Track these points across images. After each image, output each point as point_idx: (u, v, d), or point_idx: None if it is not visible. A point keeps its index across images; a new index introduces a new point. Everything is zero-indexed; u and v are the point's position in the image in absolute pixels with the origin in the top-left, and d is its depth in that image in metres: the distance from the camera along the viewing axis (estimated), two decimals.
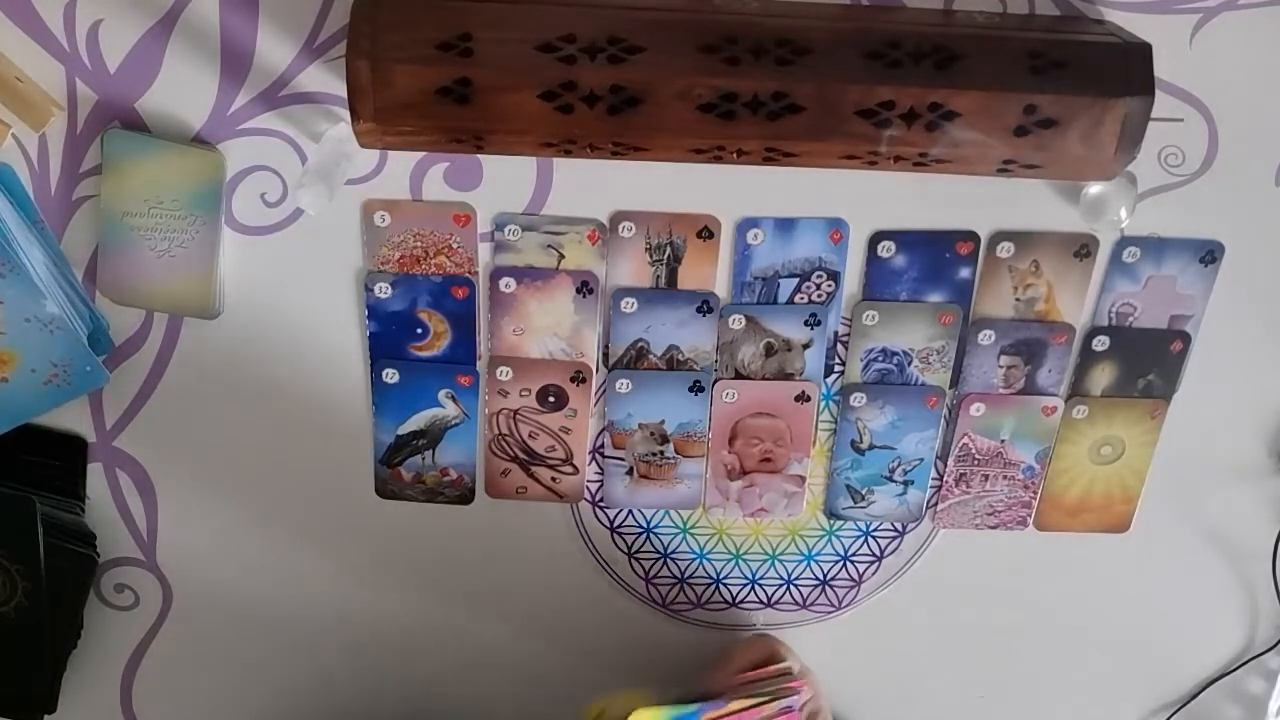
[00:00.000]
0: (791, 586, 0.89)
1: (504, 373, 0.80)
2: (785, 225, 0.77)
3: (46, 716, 0.85)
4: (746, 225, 0.77)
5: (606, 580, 0.88)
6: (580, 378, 0.80)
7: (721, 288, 0.79)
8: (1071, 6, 0.72)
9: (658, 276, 0.78)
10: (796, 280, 0.79)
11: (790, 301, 0.79)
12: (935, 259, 0.78)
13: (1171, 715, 0.95)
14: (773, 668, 0.80)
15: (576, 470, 0.84)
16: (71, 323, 0.74)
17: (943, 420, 0.83)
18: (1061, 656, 0.93)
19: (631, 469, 0.84)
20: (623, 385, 0.81)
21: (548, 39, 0.63)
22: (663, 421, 0.82)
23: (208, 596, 0.86)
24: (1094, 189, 0.75)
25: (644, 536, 0.86)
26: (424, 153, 0.74)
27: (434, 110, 0.64)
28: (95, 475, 0.82)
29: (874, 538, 0.87)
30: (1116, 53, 0.66)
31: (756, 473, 0.84)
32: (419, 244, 0.76)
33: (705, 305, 0.79)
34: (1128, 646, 0.92)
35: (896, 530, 0.87)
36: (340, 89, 0.68)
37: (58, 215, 0.74)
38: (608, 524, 0.86)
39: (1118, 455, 0.85)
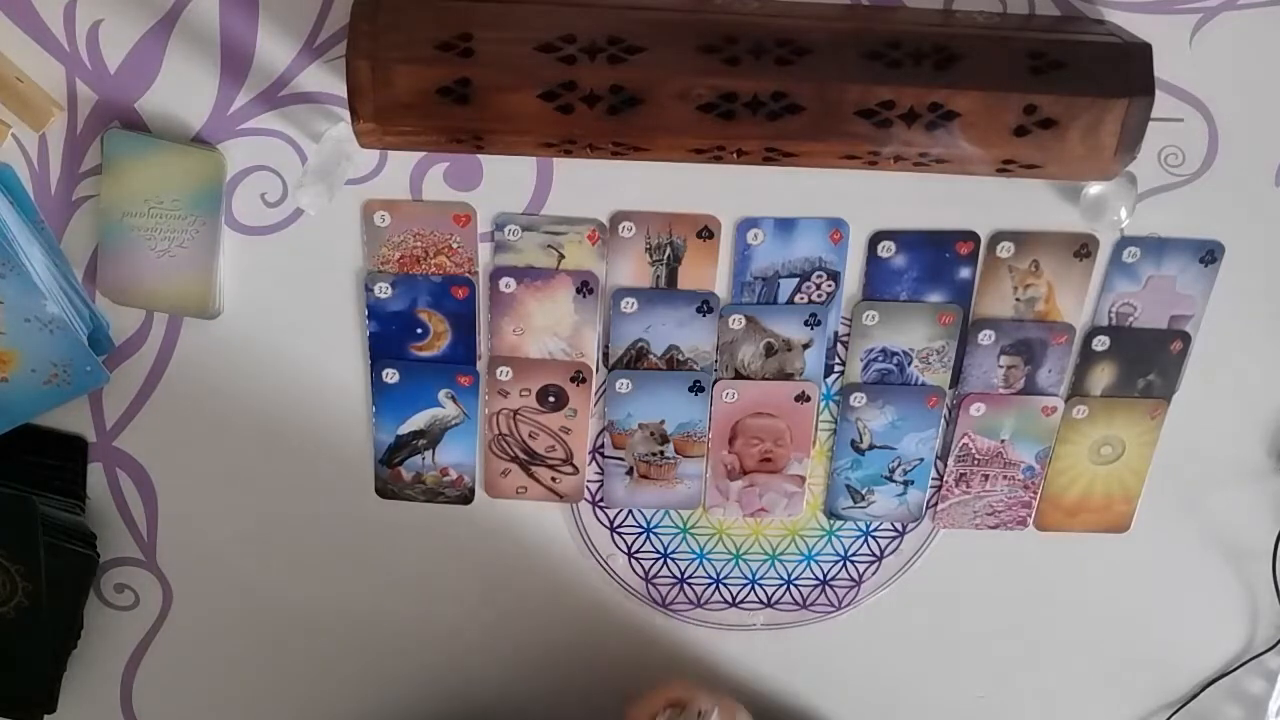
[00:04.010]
0: (791, 586, 0.89)
1: (504, 373, 0.80)
2: (785, 225, 0.77)
3: (46, 716, 0.86)
4: (746, 225, 0.77)
5: (606, 580, 0.88)
6: (580, 378, 0.80)
7: (721, 288, 0.79)
8: (1071, 6, 0.72)
9: (658, 276, 0.78)
10: (796, 280, 0.79)
11: (790, 301, 0.79)
12: (935, 259, 0.78)
13: (1171, 715, 0.95)
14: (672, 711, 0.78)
15: (576, 470, 0.84)
16: (71, 323, 0.74)
17: (943, 420, 0.83)
18: (1061, 656, 0.93)
19: (631, 469, 0.84)
20: (623, 385, 0.81)
21: (548, 39, 0.63)
22: (663, 421, 0.82)
23: (208, 596, 0.86)
24: (1094, 189, 0.75)
25: (644, 536, 0.86)
26: (424, 153, 0.74)
27: (434, 110, 0.64)
28: (95, 475, 0.82)
29: (874, 538, 0.87)
30: (1116, 53, 0.66)
31: (756, 473, 0.84)
32: (419, 244, 0.76)
33: (705, 305, 0.79)
34: (1128, 646, 0.92)
35: (896, 530, 0.87)
36: (340, 89, 0.68)
37: (58, 215, 0.74)
38: (608, 524, 0.86)
39: (1118, 455, 0.85)
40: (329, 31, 0.71)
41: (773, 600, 0.89)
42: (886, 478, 0.85)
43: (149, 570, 0.85)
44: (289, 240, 0.76)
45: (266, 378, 0.80)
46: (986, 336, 0.81)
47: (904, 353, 0.81)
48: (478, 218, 0.76)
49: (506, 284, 0.78)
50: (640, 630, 0.89)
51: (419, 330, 0.79)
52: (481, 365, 0.80)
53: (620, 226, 0.77)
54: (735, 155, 0.66)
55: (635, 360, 0.80)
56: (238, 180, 0.74)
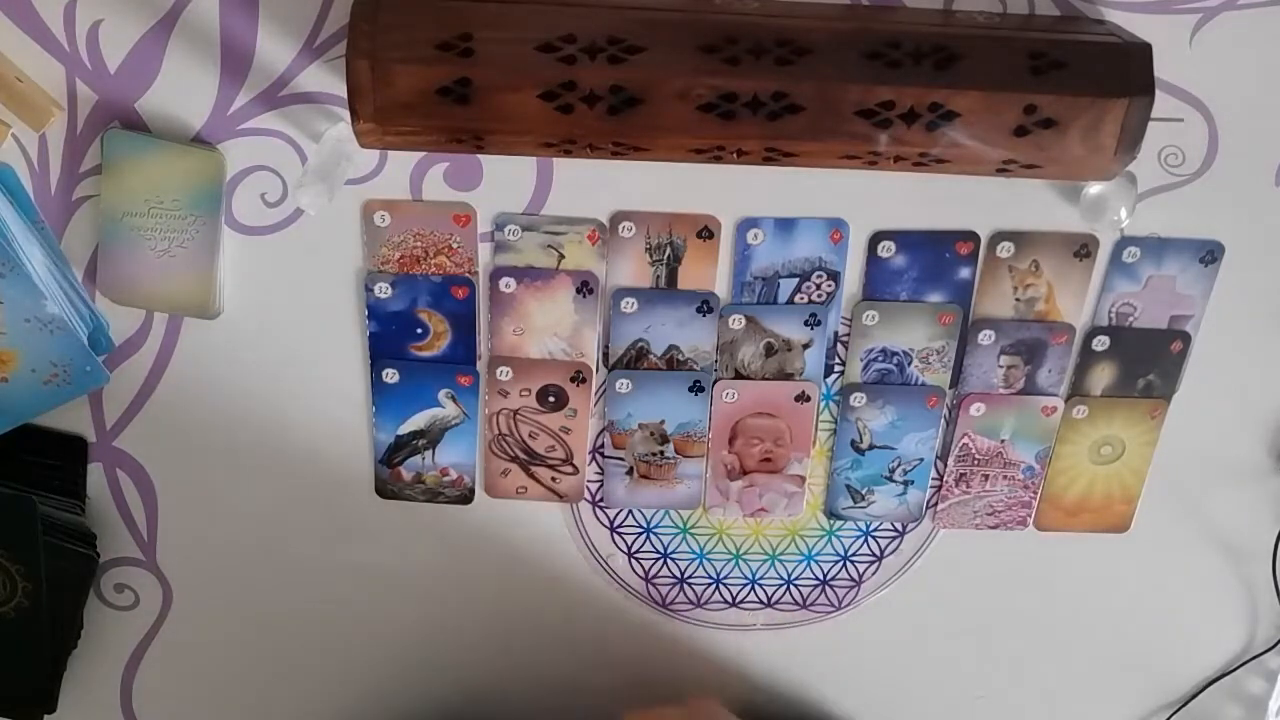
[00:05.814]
0: (791, 586, 0.89)
1: (504, 373, 0.80)
2: (785, 225, 0.77)
3: (46, 716, 0.86)
4: (746, 225, 0.77)
5: (606, 580, 0.88)
6: (580, 378, 0.80)
7: (721, 288, 0.79)
8: (1071, 6, 0.72)
9: (658, 276, 0.78)
10: (796, 280, 0.79)
11: (790, 301, 0.79)
12: (935, 259, 0.78)
13: (1171, 715, 0.95)
14: None
15: (576, 470, 0.84)
16: (71, 323, 0.74)
17: (943, 420, 0.83)
18: (1061, 656, 0.93)
19: (631, 469, 0.84)
20: (623, 385, 0.81)
21: (548, 39, 0.63)
22: (663, 421, 0.82)
23: (208, 596, 0.86)
24: (1094, 189, 0.75)
25: (644, 536, 0.86)
26: (424, 153, 0.74)
27: (434, 110, 0.64)
28: (95, 475, 0.82)
29: (874, 538, 0.87)
30: (1116, 53, 0.66)
31: (756, 473, 0.84)
32: (419, 244, 0.76)
33: (705, 305, 0.79)
34: (1128, 646, 0.92)
35: (896, 530, 0.87)
36: (340, 89, 0.68)
37: (58, 215, 0.74)
38: (608, 524, 0.86)
39: (1118, 455, 0.85)
40: (329, 31, 0.71)
41: (773, 600, 0.89)
42: (886, 478, 0.85)
43: (149, 570, 0.85)
44: (289, 240, 0.76)
45: (266, 378, 0.80)
46: (986, 336, 0.81)
47: (904, 353, 0.81)
48: (478, 218, 0.76)
49: (506, 284, 0.78)
50: (640, 630, 0.89)
51: (419, 330, 0.79)
52: (481, 365, 0.80)
53: (620, 226, 0.77)
54: (735, 155, 0.66)
55: (635, 360, 0.80)
56: (238, 180, 0.74)
